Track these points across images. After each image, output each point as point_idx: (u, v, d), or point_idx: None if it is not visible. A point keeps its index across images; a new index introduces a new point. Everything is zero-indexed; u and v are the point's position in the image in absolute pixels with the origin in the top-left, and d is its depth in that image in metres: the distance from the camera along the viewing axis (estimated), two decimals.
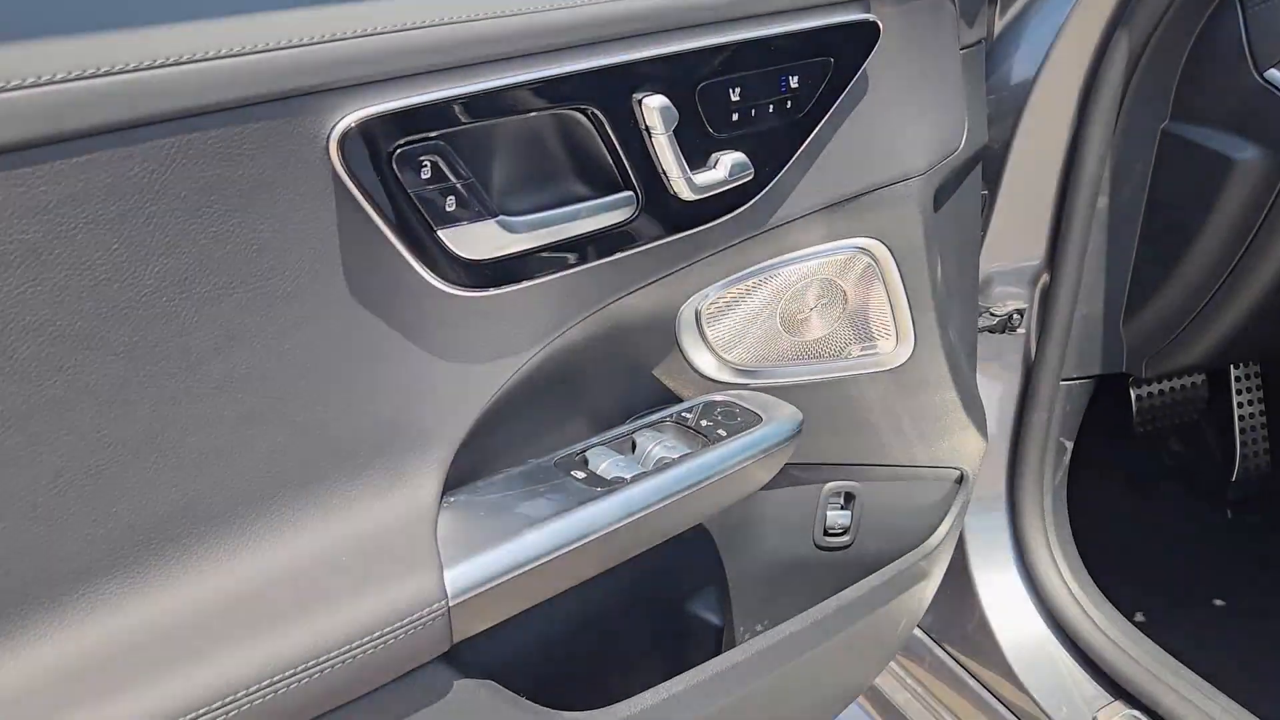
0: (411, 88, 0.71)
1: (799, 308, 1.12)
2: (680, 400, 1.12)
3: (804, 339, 1.14)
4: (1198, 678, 1.45)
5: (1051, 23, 1.46)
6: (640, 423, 0.99)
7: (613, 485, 0.88)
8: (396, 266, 0.76)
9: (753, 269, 1.07)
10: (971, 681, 1.64)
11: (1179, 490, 2.11)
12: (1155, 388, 1.99)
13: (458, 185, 0.75)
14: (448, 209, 0.76)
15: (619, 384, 1.06)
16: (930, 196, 1.13)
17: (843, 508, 1.31)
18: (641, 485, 0.89)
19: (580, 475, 0.89)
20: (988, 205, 1.53)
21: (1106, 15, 1.41)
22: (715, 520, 1.26)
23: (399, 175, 0.72)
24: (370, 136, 0.69)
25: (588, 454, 0.93)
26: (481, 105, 0.75)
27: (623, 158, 0.85)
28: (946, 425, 1.29)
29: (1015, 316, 1.57)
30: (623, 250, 0.90)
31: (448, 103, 0.73)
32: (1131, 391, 1.97)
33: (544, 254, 0.84)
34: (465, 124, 0.75)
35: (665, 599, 1.25)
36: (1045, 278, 1.54)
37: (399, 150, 0.71)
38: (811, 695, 1.32)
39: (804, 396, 1.18)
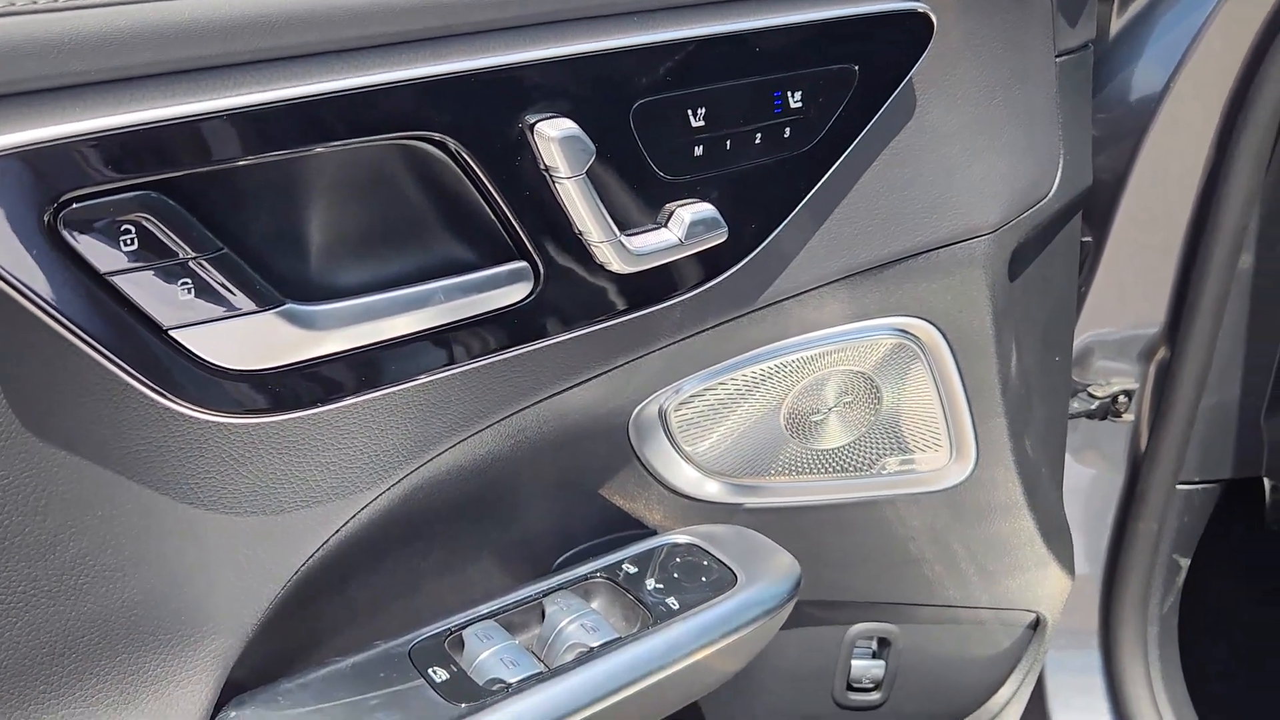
0: (91, 104, 0.43)
1: (813, 406, 0.82)
2: (644, 526, 0.82)
3: (819, 447, 0.84)
4: None
5: (1189, 22, 1.11)
6: (556, 581, 0.70)
7: (485, 696, 0.59)
8: (102, 383, 0.48)
9: (742, 358, 0.76)
10: None
11: None
12: None
13: (196, 262, 0.47)
14: (183, 297, 0.47)
15: (550, 512, 0.77)
16: (1004, 261, 0.81)
17: (875, 656, 1.00)
18: (529, 698, 0.59)
19: (440, 676, 0.60)
20: (1091, 255, 1.19)
21: (1263, 14, 1.06)
22: None
23: (74, 245, 0.44)
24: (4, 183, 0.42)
25: (467, 634, 0.64)
26: (238, 133, 0.47)
27: (507, 212, 0.56)
28: (1018, 560, 0.97)
29: (1122, 399, 1.23)
30: (519, 345, 0.61)
31: (167, 128, 0.45)
32: (1266, 481, 1.59)
33: (376, 356, 0.55)
34: (207, 164, 0.46)
35: None
36: (1164, 352, 1.19)
37: (68, 206, 0.43)
38: None
39: (820, 519, 0.88)
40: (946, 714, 1.02)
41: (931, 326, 0.80)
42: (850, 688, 1.01)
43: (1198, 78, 1.09)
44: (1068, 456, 1.25)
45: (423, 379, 0.58)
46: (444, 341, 0.57)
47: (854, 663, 1.00)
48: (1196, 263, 1.14)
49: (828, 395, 0.82)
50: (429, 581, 0.72)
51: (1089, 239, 1.20)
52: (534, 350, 0.61)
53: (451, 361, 0.58)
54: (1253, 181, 1.09)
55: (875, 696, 1.01)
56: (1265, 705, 1.56)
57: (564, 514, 0.78)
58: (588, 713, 0.61)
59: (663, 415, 0.76)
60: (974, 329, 0.81)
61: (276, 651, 0.62)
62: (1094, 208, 1.18)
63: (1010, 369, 0.85)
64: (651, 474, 0.79)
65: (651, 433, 0.77)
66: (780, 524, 0.84)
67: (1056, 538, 0.98)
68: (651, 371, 0.71)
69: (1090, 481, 1.26)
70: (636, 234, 0.61)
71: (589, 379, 0.67)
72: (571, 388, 0.66)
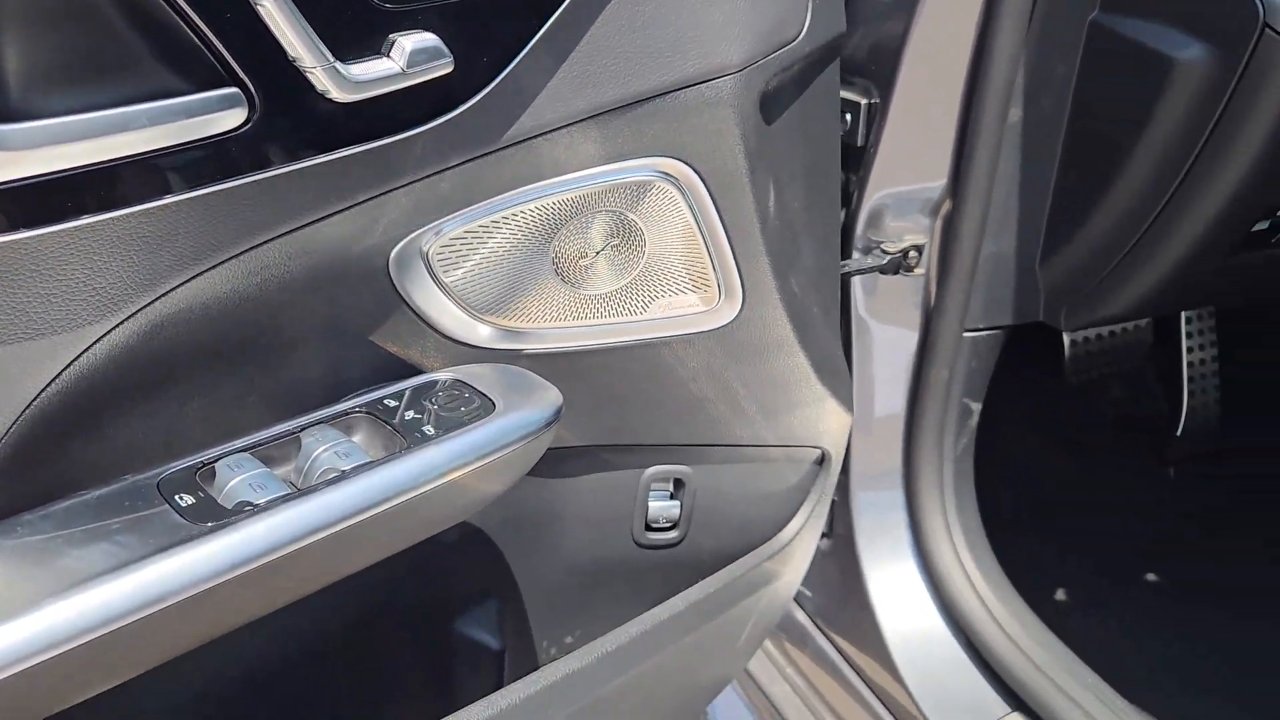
0: None
1: (579, 250, 0.85)
2: (423, 374, 0.85)
3: (591, 291, 0.87)
4: (1110, 691, 1.22)
5: None
6: (315, 416, 0.72)
7: (229, 517, 0.61)
8: None
9: (500, 199, 0.78)
10: (855, 680, 1.41)
11: (1115, 449, 1.87)
12: (1092, 332, 1.73)
13: None
14: None
15: (318, 359, 0.78)
16: (754, 101, 0.84)
17: (671, 497, 1.06)
18: (274, 516, 0.62)
19: (186, 501, 0.62)
20: (878, 116, 1.24)
21: None
22: (499, 514, 1.00)
23: None
24: None
25: (219, 465, 0.66)
26: None
27: (209, 34, 0.56)
28: (797, 397, 1.02)
29: (912, 254, 1.30)
30: (242, 175, 0.61)
31: None
32: (1064, 337, 1.71)
33: (82, 181, 0.56)
34: None
35: (431, 616, 0.99)
36: (948, 206, 1.26)
37: None
38: (646, 711, 1.08)
39: (601, 363, 0.92)
40: (742, 547, 1.09)
41: (687, 166, 0.83)
42: (649, 528, 1.06)
43: None
44: (866, 314, 1.33)
45: (138, 207, 0.58)
46: (157, 168, 0.58)
47: (651, 504, 1.05)
48: (970, 118, 1.20)
49: (593, 238, 0.85)
50: (193, 428, 0.73)
51: (876, 101, 1.25)
52: (261, 181, 0.62)
53: (168, 190, 0.59)
54: (1016, 39, 1.15)
55: (673, 535, 1.07)
56: (1062, 524, 1.70)
57: (334, 362, 0.79)
58: (336, 529, 0.64)
59: (426, 258, 0.78)
60: (728, 168, 0.84)
61: (25, 493, 0.63)
62: (879, 70, 1.23)
63: (769, 209, 0.89)
64: (423, 319, 0.81)
65: (416, 276, 0.79)
66: (562, 369, 0.88)
67: (832, 375, 1.04)
68: (401, 210, 0.73)
69: (888, 334, 1.34)
70: (356, 62, 0.62)
71: (330, 215, 0.68)
72: (312, 223, 0.68)
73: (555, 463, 1.00)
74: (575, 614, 1.07)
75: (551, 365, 0.88)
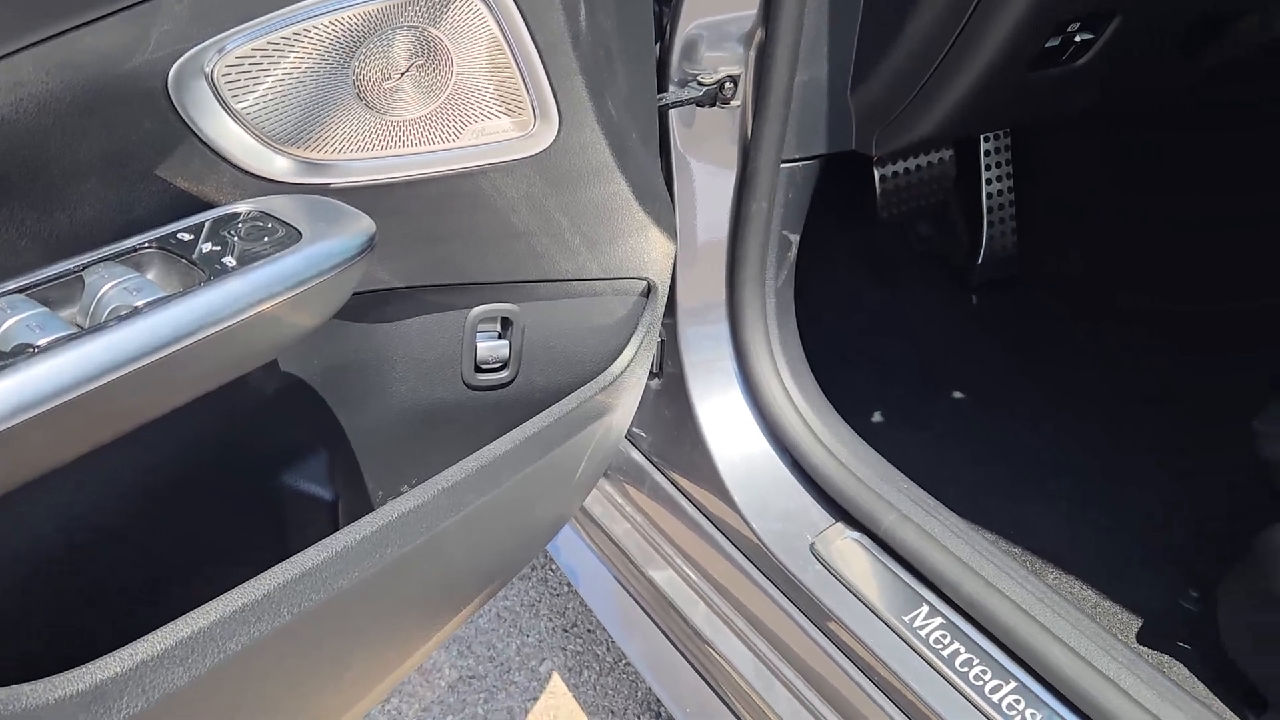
0: None
1: (382, 71, 0.79)
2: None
3: (398, 118, 0.82)
4: (923, 493, 1.30)
5: None
6: (99, 253, 0.66)
7: (6, 360, 0.56)
8: None
9: (289, 12, 0.72)
10: (691, 510, 1.46)
11: (923, 278, 1.96)
12: (900, 166, 1.79)
13: None
14: None
15: (101, 197, 0.71)
16: None
17: (500, 337, 1.04)
18: (57, 357, 0.57)
19: None
20: None
21: None
22: (322, 361, 0.96)
23: None
24: None
25: None
26: None
27: None
28: (619, 226, 1.02)
29: (728, 85, 1.28)
30: None
31: None
32: (875, 172, 1.76)
33: None
34: None
35: (261, 470, 0.95)
36: (761, 35, 1.24)
37: None
38: (485, 548, 1.08)
39: (416, 197, 0.88)
40: (574, 381, 1.09)
41: None
42: (478, 369, 1.04)
43: None
44: (684, 148, 1.32)
45: None
46: None
47: (479, 345, 1.03)
48: None
49: (396, 57, 0.80)
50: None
51: None
52: None
53: None
54: None
55: (504, 375, 1.06)
56: (877, 348, 1.80)
57: (118, 200, 0.72)
58: (131, 369, 0.59)
59: (211, 80, 0.71)
60: None
61: None
62: None
63: (580, 26, 0.86)
64: (214, 151, 0.75)
65: (201, 100, 0.72)
66: (376, 203, 0.83)
67: (653, 202, 1.03)
68: (174, 19, 0.66)
69: (707, 168, 1.34)
70: None
71: (89, 22, 0.61)
72: (69, 31, 0.60)
73: (377, 306, 0.97)
74: (408, 461, 1.05)
75: (361, 199, 0.83)
